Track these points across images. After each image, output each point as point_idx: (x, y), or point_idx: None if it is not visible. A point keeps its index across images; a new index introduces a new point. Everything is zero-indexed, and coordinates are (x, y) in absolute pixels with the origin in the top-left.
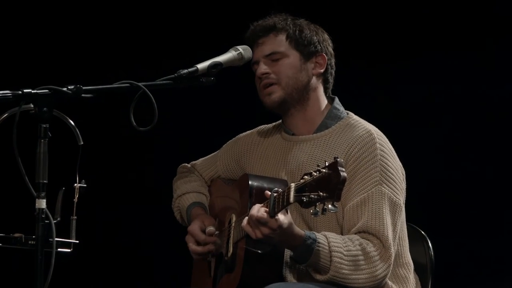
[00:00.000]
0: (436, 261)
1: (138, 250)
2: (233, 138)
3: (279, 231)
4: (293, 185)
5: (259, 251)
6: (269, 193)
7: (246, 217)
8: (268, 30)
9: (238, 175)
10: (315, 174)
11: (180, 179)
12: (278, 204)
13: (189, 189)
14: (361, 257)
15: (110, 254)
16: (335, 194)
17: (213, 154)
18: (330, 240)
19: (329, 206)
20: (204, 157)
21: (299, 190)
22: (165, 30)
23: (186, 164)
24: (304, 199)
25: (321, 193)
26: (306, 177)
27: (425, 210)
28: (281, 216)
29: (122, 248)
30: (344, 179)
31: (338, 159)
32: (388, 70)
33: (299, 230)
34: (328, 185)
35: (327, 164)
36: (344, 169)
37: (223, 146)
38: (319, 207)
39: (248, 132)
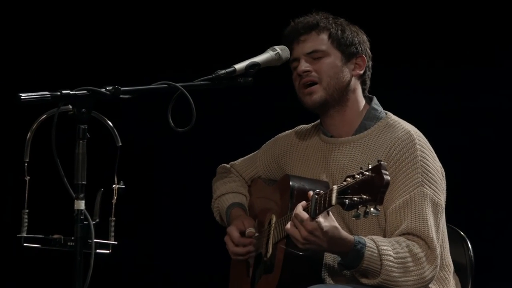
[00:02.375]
0: (476, 262)
1: (175, 251)
2: (272, 138)
3: (320, 233)
4: (335, 187)
5: (300, 253)
6: (311, 194)
7: (290, 221)
8: (310, 27)
9: (278, 176)
10: (358, 176)
11: (220, 179)
12: (320, 206)
13: (228, 190)
14: (409, 259)
15: (148, 254)
16: (377, 197)
17: (252, 154)
18: (379, 244)
19: (371, 209)
20: (243, 158)
21: (342, 192)
22: (202, 30)
23: (225, 165)
24: (346, 201)
25: (364, 196)
26: (348, 179)
27: (464, 211)
28: (321, 219)
29: (159, 248)
30: (388, 183)
31: (381, 162)
32: (429, 69)
33: (347, 235)
34: (371, 188)
35: (370, 167)
36: (387, 173)
37: (263, 146)
38: (361, 210)
39: (287, 132)
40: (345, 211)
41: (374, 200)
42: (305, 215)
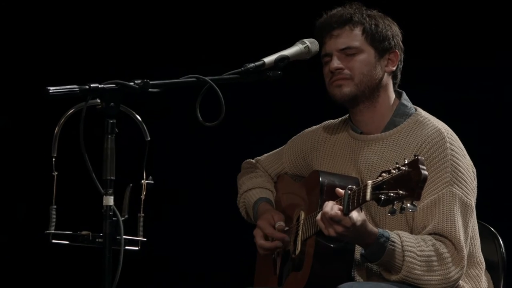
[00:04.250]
0: (508, 259)
1: (199, 249)
2: (299, 134)
3: (352, 229)
4: (370, 182)
5: (331, 245)
6: (340, 190)
7: (320, 212)
8: (344, 22)
9: (304, 172)
10: (394, 171)
11: (245, 175)
12: (353, 202)
13: (255, 185)
14: (434, 258)
15: (174, 252)
16: (415, 192)
17: (277, 150)
18: (403, 239)
19: (408, 204)
20: (269, 153)
21: (377, 187)
22: (230, 24)
23: (251, 160)
24: (382, 197)
25: (401, 192)
26: (384, 174)
27: (495, 207)
28: (354, 214)
29: (184, 246)
30: (425, 178)
31: (419, 157)
32: (461, 66)
33: (372, 228)
34: (408, 184)
35: (407, 162)
36: (425, 167)
37: (288, 141)
38: (397, 206)
39: (314, 127)
40: (373, 208)
41: (411, 196)
42: (337, 212)
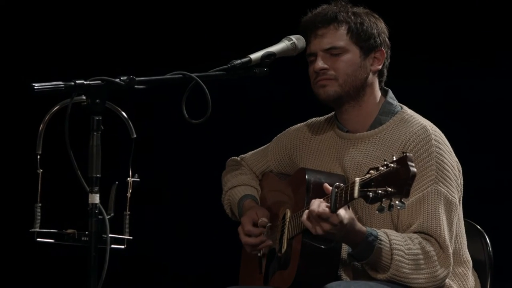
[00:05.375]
0: (495, 257)
1: (184, 248)
2: (284, 131)
3: (340, 226)
4: (357, 179)
5: (317, 245)
6: (328, 187)
7: (306, 211)
8: (328, 21)
9: (289, 170)
10: (383, 168)
11: (230, 172)
12: (340, 200)
13: (240, 182)
14: (421, 256)
15: (159, 250)
16: (404, 190)
17: (262, 147)
18: (391, 238)
19: (397, 202)
20: (254, 151)
21: (364, 185)
22: (217, 21)
23: (236, 158)
24: (370, 194)
25: (389, 189)
26: (372, 171)
27: (482, 205)
28: (342, 211)
29: (169, 245)
30: (414, 175)
31: (407, 154)
32: (448, 64)
33: (361, 226)
34: (397, 181)
35: (395, 159)
36: (413, 164)
37: (274, 139)
38: (385, 203)
39: (299, 125)
40: (359, 205)
41: (400, 193)
42: (325, 210)
